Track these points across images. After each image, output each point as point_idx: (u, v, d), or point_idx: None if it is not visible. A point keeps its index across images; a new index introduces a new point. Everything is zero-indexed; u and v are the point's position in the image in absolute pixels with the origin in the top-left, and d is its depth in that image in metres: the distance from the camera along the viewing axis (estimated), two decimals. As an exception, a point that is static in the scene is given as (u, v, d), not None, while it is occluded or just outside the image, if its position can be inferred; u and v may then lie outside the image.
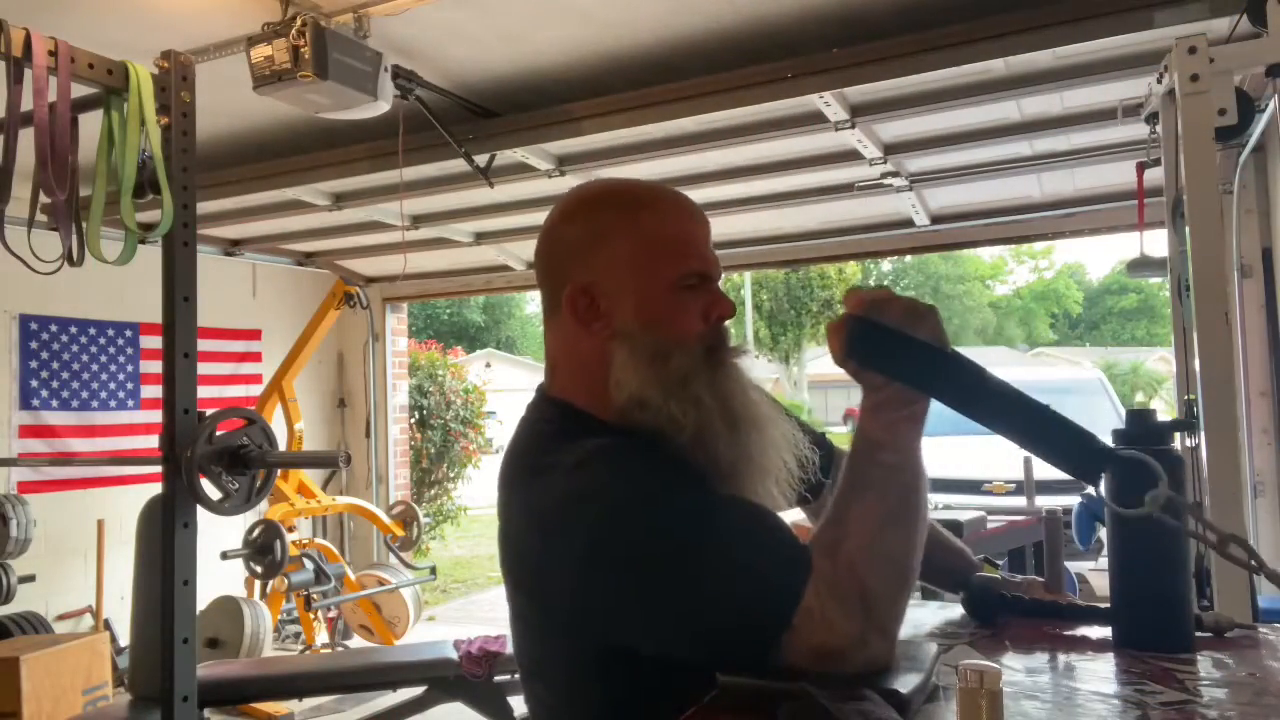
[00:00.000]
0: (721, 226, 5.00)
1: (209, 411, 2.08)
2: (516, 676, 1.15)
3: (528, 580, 1.01)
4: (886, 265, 37.01)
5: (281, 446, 2.34)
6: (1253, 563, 0.85)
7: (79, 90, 1.91)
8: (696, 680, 0.93)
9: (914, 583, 0.94)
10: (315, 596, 5.25)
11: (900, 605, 0.93)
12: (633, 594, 0.90)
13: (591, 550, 0.90)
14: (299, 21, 2.51)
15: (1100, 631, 1.15)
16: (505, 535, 1.04)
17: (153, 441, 2.03)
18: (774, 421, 1.06)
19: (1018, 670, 1.02)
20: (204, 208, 3.81)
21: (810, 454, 1.10)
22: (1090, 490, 0.98)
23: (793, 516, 1.20)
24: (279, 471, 2.83)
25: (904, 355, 0.91)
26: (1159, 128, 2.60)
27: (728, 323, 1.08)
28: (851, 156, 3.64)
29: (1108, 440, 0.94)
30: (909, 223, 4.64)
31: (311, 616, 5.32)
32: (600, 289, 1.03)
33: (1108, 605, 1.14)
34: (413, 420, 7.33)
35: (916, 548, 0.93)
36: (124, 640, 4.70)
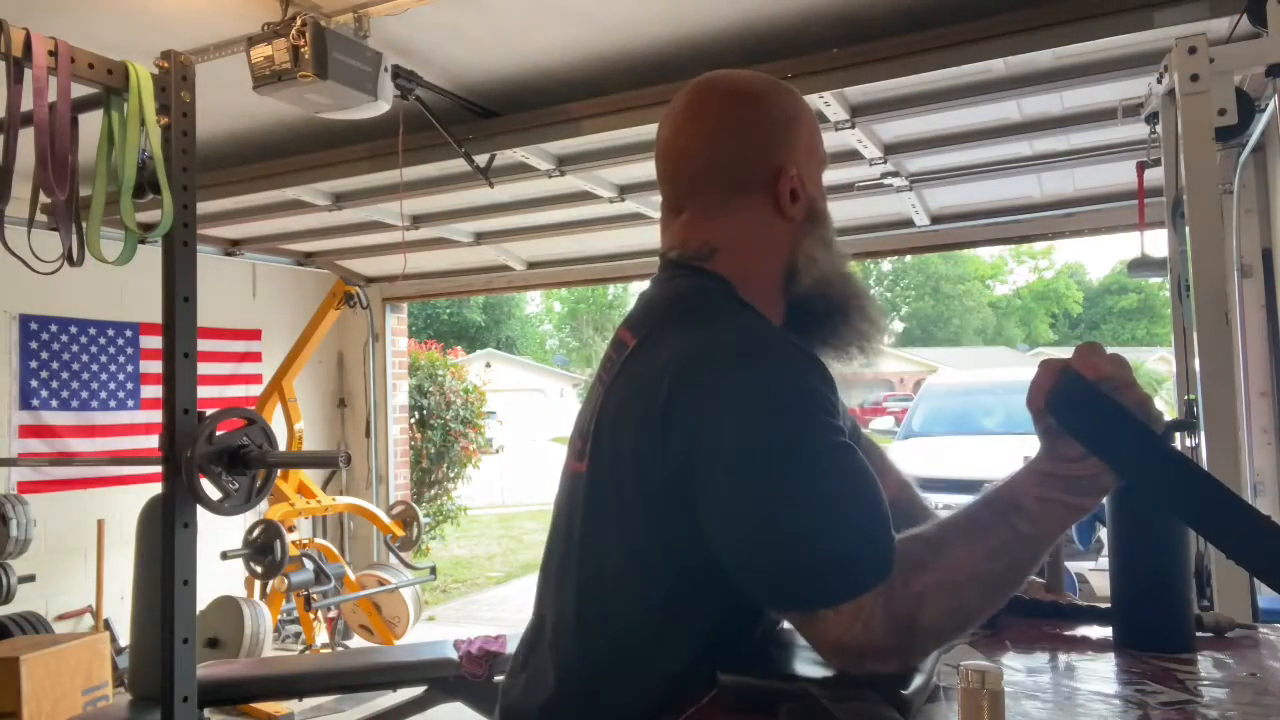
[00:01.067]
0: (721, 226, 5.00)
1: (209, 411, 2.08)
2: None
3: (630, 435, 0.93)
4: (886, 265, 37.07)
5: (281, 446, 2.34)
6: None
7: (79, 90, 1.91)
8: (693, 679, 0.93)
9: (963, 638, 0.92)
10: (315, 596, 5.25)
11: (937, 649, 0.91)
12: (738, 472, 0.86)
13: (733, 405, 0.87)
14: (299, 21, 2.51)
15: (1101, 631, 1.15)
16: (614, 394, 0.98)
17: (153, 441, 2.03)
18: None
19: (1018, 670, 1.02)
20: (204, 208, 3.82)
21: None
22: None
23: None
24: (279, 471, 2.83)
25: (1111, 429, 0.82)
26: (1159, 128, 2.60)
27: None
28: (851, 156, 3.64)
29: None
30: (909, 223, 4.64)
31: (311, 616, 5.32)
32: (801, 173, 1.05)
33: (1108, 605, 1.14)
34: (413, 420, 7.33)
35: (986, 614, 0.88)
36: (124, 640, 4.70)
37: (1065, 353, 0.89)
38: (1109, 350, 0.86)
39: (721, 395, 0.89)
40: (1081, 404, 0.82)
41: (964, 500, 0.91)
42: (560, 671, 0.99)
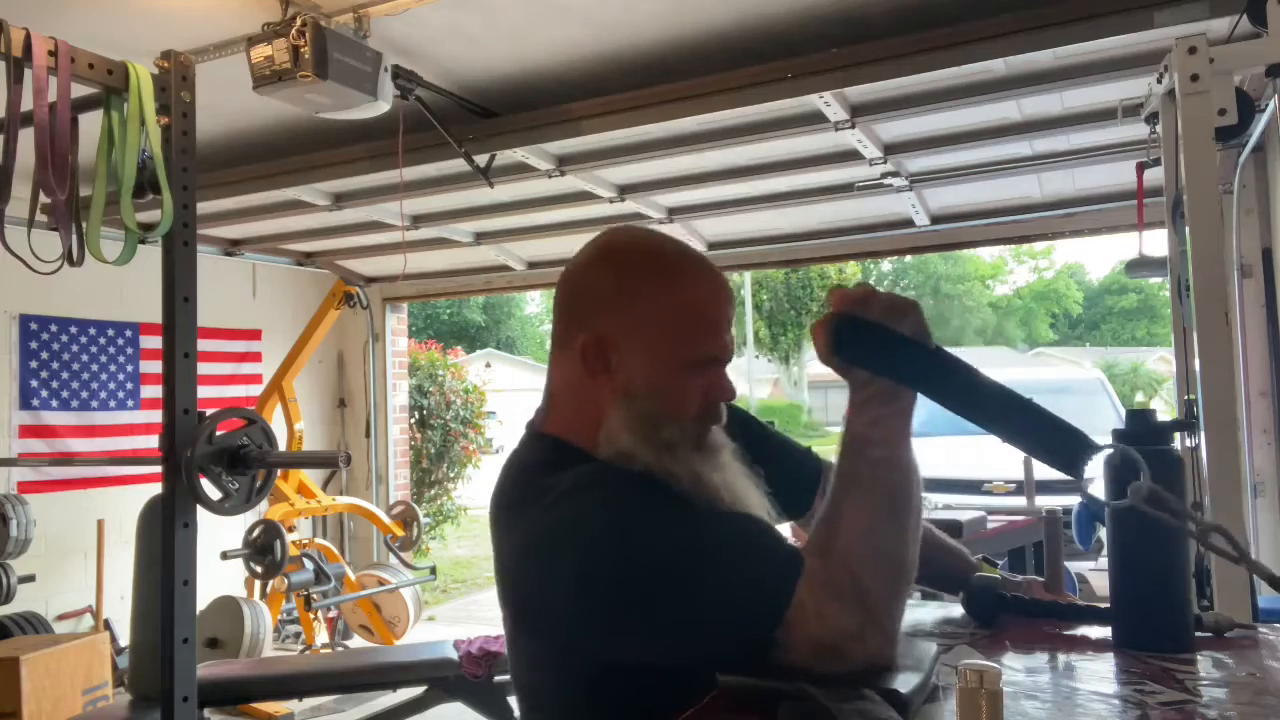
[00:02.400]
0: (721, 226, 5.00)
1: (209, 411, 2.08)
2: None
3: (524, 610, 1.02)
4: (886, 265, 37.04)
5: (281, 446, 2.34)
6: (1234, 553, 0.85)
7: (79, 90, 1.91)
8: (692, 687, 0.94)
9: (911, 577, 0.95)
10: (315, 596, 5.25)
11: (898, 600, 0.93)
12: (627, 611, 0.90)
13: (584, 573, 0.91)
14: (299, 21, 2.51)
15: (1100, 631, 1.15)
16: (500, 570, 1.06)
17: (153, 441, 2.03)
18: (743, 503, 1.06)
19: (1018, 670, 1.02)
20: (204, 208, 3.81)
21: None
22: (1092, 492, 0.98)
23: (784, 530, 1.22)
24: (279, 471, 2.83)
25: (887, 351, 0.93)
26: (1159, 128, 2.60)
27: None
28: (851, 156, 3.64)
29: (1106, 439, 0.94)
30: (909, 223, 4.64)
31: (311, 616, 5.32)
32: (615, 345, 1.03)
33: (1108, 605, 1.14)
34: (413, 420, 7.33)
35: (911, 542, 0.94)
36: (124, 640, 4.70)
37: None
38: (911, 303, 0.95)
39: (569, 570, 0.92)
40: (844, 338, 0.94)
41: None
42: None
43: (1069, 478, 0.89)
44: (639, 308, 1.04)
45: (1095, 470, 1.07)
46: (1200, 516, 0.92)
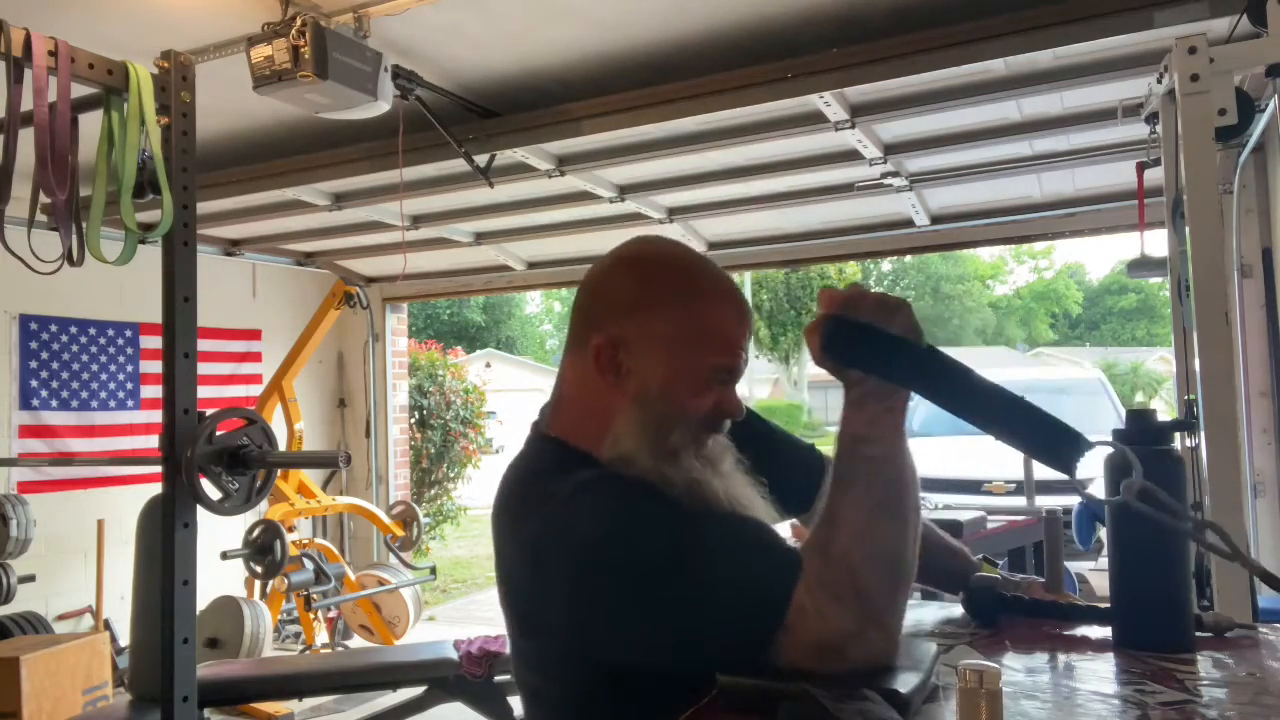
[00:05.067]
0: (721, 226, 5.00)
1: (209, 411, 2.08)
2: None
3: (525, 614, 1.03)
4: (886, 265, 37.05)
5: (281, 446, 2.34)
6: (1228, 549, 0.85)
7: (79, 90, 1.91)
8: (693, 686, 0.94)
9: (911, 575, 0.95)
10: (315, 596, 5.25)
11: (898, 598, 0.93)
12: (626, 614, 0.91)
13: (583, 577, 0.92)
14: (299, 21, 2.51)
15: (1100, 631, 1.15)
16: (501, 573, 1.07)
17: (153, 441, 2.03)
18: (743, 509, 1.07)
19: (1018, 670, 1.02)
20: (204, 208, 3.81)
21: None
22: (1091, 492, 0.97)
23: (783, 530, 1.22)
24: (279, 471, 2.83)
25: (879, 350, 0.93)
26: (1159, 128, 2.60)
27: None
28: (851, 156, 3.64)
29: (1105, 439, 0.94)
30: (909, 223, 4.64)
31: (311, 616, 5.32)
32: (630, 350, 1.04)
33: (1108, 605, 1.14)
34: (413, 420, 7.33)
35: (909, 539, 0.94)
36: (124, 640, 4.70)
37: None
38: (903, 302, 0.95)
39: (570, 573, 0.93)
40: (836, 340, 0.94)
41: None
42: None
43: (1066, 477, 0.88)
44: (659, 316, 1.05)
45: (1095, 470, 1.07)
46: (1194, 514, 0.92)
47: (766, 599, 0.89)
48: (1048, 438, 0.87)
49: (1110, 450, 1.00)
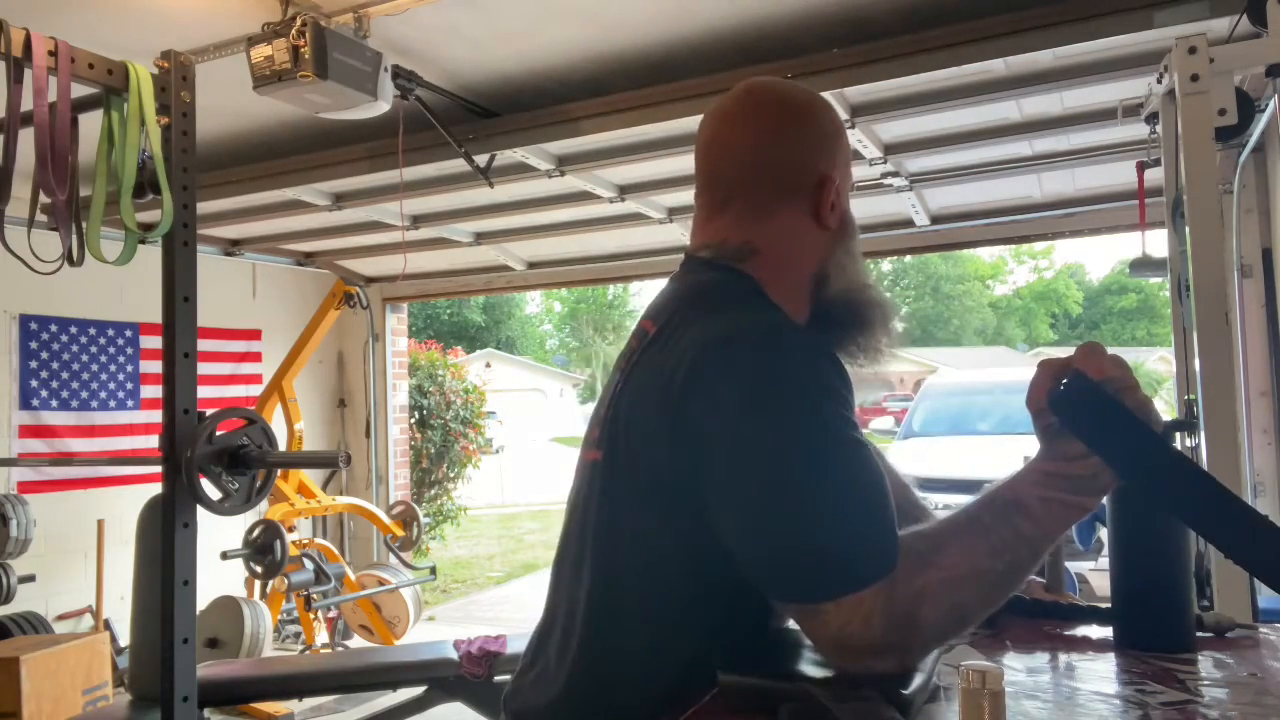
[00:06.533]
0: (721, 226, 4.99)
1: (209, 411, 2.08)
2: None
3: (644, 419, 0.94)
4: (886, 265, 37.04)
5: (281, 446, 2.34)
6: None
7: (79, 90, 1.91)
8: (699, 677, 0.93)
9: (962, 636, 0.93)
10: (315, 596, 5.25)
11: (938, 646, 0.91)
12: (747, 458, 0.87)
13: (747, 391, 0.88)
14: (299, 21, 2.51)
15: (1101, 631, 1.15)
16: (632, 381, 0.98)
17: (153, 441, 2.04)
18: None
19: (1019, 670, 1.02)
20: (204, 208, 3.82)
21: None
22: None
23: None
24: (279, 471, 2.83)
25: (1119, 435, 0.82)
26: (1159, 128, 2.60)
27: None
28: (851, 156, 3.63)
29: None
30: (909, 223, 4.64)
31: (311, 616, 5.32)
32: (838, 185, 1.08)
33: (1108, 605, 1.14)
34: (413, 420, 7.33)
35: (985, 613, 0.89)
36: (124, 640, 4.70)
37: (1065, 353, 0.89)
38: (1110, 351, 0.87)
39: (735, 380, 0.89)
40: (1084, 403, 0.82)
41: (964, 500, 0.91)
42: (570, 669, 0.99)
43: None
44: (842, 145, 1.10)
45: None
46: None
47: (845, 570, 0.83)
48: None
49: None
